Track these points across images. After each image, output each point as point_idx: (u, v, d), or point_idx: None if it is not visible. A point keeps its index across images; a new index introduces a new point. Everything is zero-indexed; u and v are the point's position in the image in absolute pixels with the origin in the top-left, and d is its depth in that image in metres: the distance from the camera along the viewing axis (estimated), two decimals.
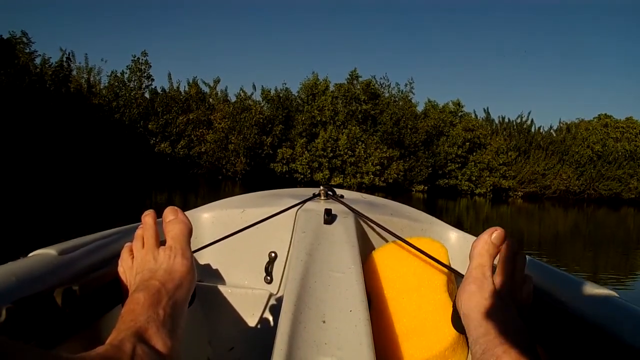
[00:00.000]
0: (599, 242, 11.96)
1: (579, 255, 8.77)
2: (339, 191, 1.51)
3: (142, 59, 30.69)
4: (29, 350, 0.51)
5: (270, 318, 1.25)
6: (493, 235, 0.93)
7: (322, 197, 1.40)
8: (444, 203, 24.71)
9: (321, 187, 1.42)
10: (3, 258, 0.82)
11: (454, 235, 1.46)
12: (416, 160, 34.94)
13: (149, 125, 29.39)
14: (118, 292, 0.90)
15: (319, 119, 32.86)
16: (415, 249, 1.11)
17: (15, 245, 4.81)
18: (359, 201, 1.50)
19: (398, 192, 32.07)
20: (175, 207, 0.98)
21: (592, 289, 0.93)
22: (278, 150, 31.74)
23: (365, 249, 1.21)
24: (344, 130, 32.71)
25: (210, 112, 31.66)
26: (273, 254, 1.35)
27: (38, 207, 8.89)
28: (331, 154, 32.22)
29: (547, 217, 20.45)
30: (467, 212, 19.88)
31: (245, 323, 1.25)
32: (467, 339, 0.86)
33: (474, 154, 38.22)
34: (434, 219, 1.54)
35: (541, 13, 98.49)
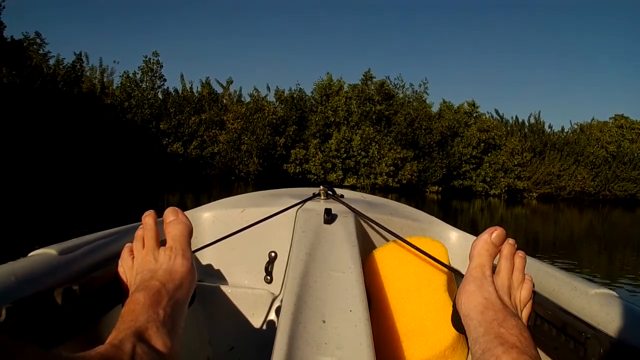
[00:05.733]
0: (615, 243, 11.85)
1: (595, 257, 8.69)
2: (339, 191, 1.50)
3: (153, 59, 30.90)
4: (29, 350, 0.51)
5: (270, 318, 1.25)
6: (493, 235, 0.93)
7: (322, 197, 1.39)
8: (458, 204, 24.56)
9: (321, 187, 1.42)
10: (3, 258, 0.83)
11: (454, 235, 1.45)
12: (430, 161, 34.85)
13: (161, 126, 29.52)
14: (118, 292, 0.90)
15: (332, 119, 32.87)
16: (415, 249, 1.11)
17: (21, 245, 4.83)
18: (359, 201, 1.50)
19: (412, 193, 31.98)
20: (176, 208, 0.99)
21: (592, 289, 0.92)
22: (291, 151, 31.76)
23: (365, 249, 1.21)
24: (357, 130, 32.69)
25: (223, 113, 31.74)
26: (273, 254, 1.34)
27: (48, 207, 8.94)
28: (345, 155, 32.22)
29: (562, 218, 20.26)
30: (482, 213, 19.74)
31: (245, 323, 1.24)
32: (467, 338, 0.86)
33: (489, 154, 38.08)
34: (434, 218, 1.53)
35: (553, 13, 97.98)
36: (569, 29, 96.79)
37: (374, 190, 30.73)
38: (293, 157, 31.80)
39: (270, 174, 31.02)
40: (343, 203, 1.31)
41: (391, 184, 32.51)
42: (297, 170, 31.89)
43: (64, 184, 15.19)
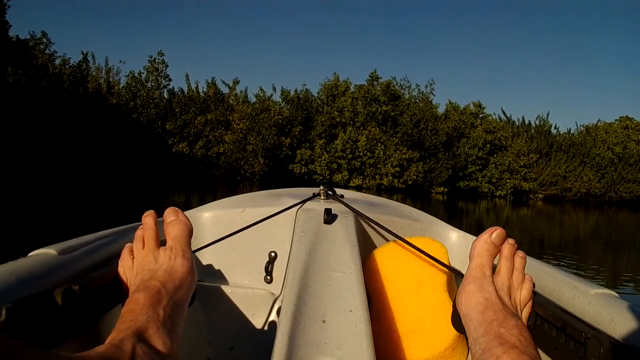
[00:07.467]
0: (620, 244, 11.81)
1: (600, 258, 8.65)
2: (339, 191, 1.50)
3: (158, 59, 30.91)
4: (29, 350, 0.52)
5: (270, 318, 1.25)
6: (493, 235, 0.93)
7: (322, 197, 1.40)
8: (464, 205, 24.47)
9: (321, 187, 1.42)
10: (3, 258, 0.83)
11: (454, 235, 1.46)
12: (436, 162, 34.72)
13: (167, 126, 29.49)
14: (118, 292, 0.90)
15: (338, 120, 32.77)
16: (415, 249, 1.11)
17: (21, 245, 4.83)
18: (359, 201, 1.50)
19: (417, 193, 31.91)
20: (176, 208, 0.99)
21: (592, 289, 0.92)
22: (297, 152, 31.70)
23: (365, 249, 1.21)
24: (363, 131, 32.60)
25: (229, 113, 31.71)
26: (273, 254, 1.34)
27: (52, 207, 8.94)
28: (350, 156, 32.12)
29: (568, 220, 20.17)
30: (488, 214, 19.68)
31: (245, 323, 1.24)
32: (467, 338, 0.86)
33: (495, 155, 37.92)
34: (434, 218, 1.53)
35: (560, 13, 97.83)
36: (576, 30, 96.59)
37: (379, 190, 30.68)
38: (299, 158, 31.72)
39: (275, 174, 30.97)
40: (343, 203, 1.32)
41: (397, 185, 32.41)
42: (303, 170, 31.80)
43: (69, 183, 15.20)
